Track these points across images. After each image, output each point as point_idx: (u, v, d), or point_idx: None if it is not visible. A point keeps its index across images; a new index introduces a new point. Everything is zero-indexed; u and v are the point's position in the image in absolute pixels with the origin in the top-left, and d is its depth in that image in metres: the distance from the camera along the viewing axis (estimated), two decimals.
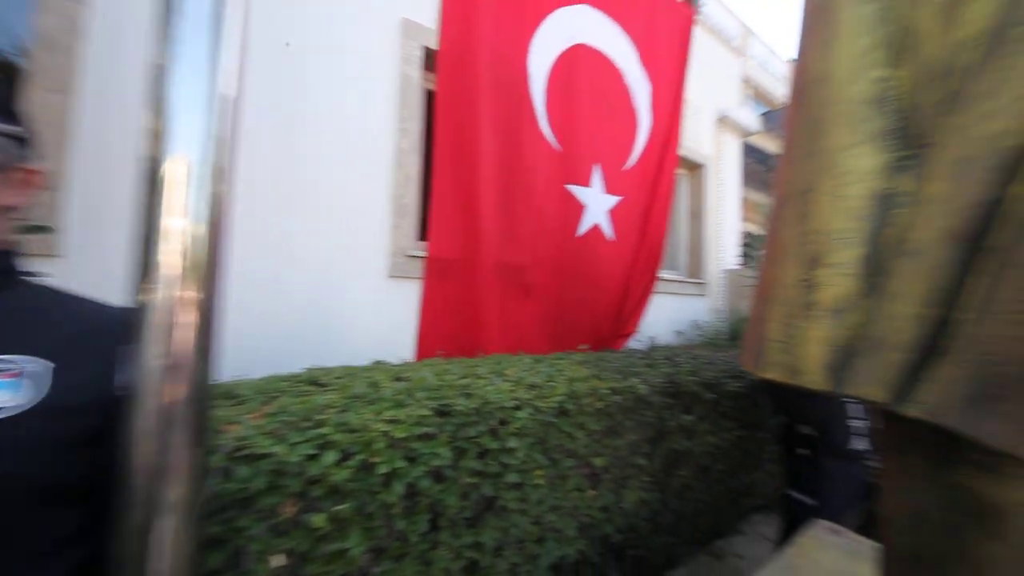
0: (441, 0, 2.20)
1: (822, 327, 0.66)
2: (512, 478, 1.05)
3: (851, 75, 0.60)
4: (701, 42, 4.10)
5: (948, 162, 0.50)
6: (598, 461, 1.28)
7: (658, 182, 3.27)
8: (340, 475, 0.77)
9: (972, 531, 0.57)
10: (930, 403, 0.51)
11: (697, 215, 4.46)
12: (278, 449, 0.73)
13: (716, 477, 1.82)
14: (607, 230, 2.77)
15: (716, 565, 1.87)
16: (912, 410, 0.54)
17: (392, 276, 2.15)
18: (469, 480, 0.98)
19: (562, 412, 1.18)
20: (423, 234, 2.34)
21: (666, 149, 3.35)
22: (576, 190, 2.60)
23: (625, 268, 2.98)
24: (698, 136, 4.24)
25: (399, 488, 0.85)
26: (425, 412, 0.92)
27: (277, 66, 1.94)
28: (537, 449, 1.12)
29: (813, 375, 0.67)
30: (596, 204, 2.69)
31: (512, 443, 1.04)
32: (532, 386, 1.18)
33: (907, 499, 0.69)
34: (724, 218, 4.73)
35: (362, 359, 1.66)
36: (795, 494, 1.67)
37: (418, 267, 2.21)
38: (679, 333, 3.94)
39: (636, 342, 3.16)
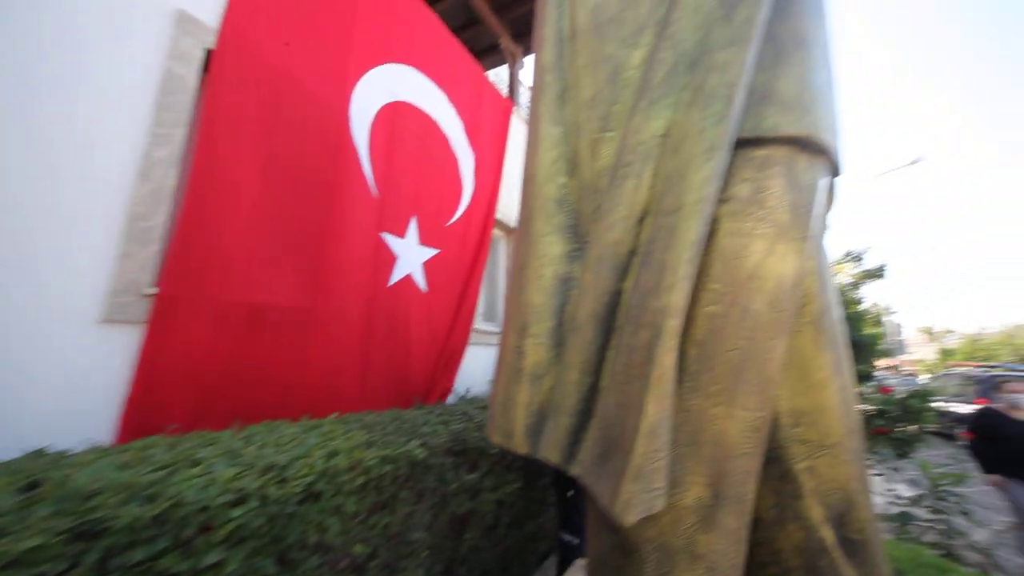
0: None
1: (525, 392, 0.72)
2: None
3: (545, 178, 0.74)
4: (518, 130, 4.89)
5: (592, 258, 0.64)
6: (360, 548, 1.10)
7: (479, 241, 3.58)
8: None
9: (626, 570, 0.67)
10: (584, 462, 0.59)
11: None
12: None
13: (503, 532, 1.84)
14: (420, 282, 2.77)
15: None
16: (574, 469, 0.62)
17: (108, 321, 1.56)
18: None
19: (310, 496, 0.97)
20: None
21: (487, 214, 3.75)
22: (390, 239, 2.54)
23: (439, 321, 3.00)
24: (515, 205, 4.88)
25: None
26: (41, 540, 0.60)
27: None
28: (264, 554, 0.87)
29: (519, 438, 0.72)
30: (409, 255, 2.68)
31: (215, 556, 0.78)
32: (269, 468, 0.94)
33: (595, 545, 0.78)
34: None
35: (30, 443, 1.13)
36: (564, 535, 1.83)
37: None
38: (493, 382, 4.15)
39: (454, 392, 3.14)
